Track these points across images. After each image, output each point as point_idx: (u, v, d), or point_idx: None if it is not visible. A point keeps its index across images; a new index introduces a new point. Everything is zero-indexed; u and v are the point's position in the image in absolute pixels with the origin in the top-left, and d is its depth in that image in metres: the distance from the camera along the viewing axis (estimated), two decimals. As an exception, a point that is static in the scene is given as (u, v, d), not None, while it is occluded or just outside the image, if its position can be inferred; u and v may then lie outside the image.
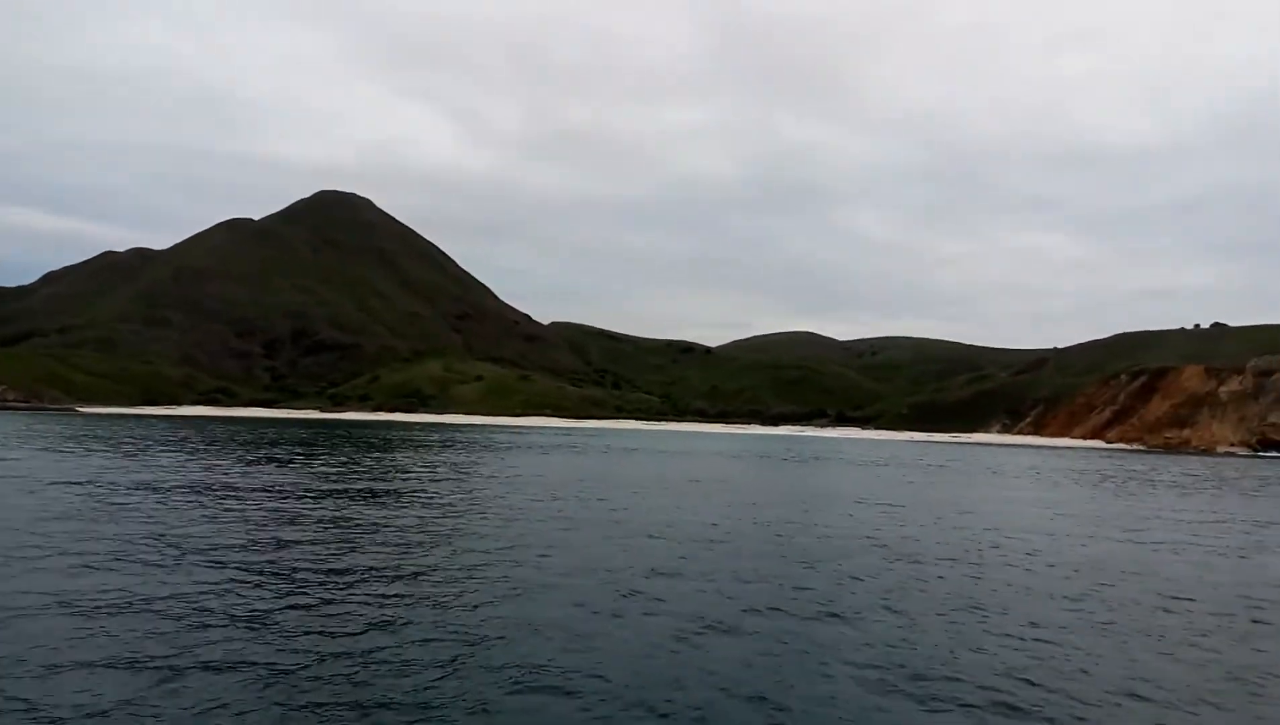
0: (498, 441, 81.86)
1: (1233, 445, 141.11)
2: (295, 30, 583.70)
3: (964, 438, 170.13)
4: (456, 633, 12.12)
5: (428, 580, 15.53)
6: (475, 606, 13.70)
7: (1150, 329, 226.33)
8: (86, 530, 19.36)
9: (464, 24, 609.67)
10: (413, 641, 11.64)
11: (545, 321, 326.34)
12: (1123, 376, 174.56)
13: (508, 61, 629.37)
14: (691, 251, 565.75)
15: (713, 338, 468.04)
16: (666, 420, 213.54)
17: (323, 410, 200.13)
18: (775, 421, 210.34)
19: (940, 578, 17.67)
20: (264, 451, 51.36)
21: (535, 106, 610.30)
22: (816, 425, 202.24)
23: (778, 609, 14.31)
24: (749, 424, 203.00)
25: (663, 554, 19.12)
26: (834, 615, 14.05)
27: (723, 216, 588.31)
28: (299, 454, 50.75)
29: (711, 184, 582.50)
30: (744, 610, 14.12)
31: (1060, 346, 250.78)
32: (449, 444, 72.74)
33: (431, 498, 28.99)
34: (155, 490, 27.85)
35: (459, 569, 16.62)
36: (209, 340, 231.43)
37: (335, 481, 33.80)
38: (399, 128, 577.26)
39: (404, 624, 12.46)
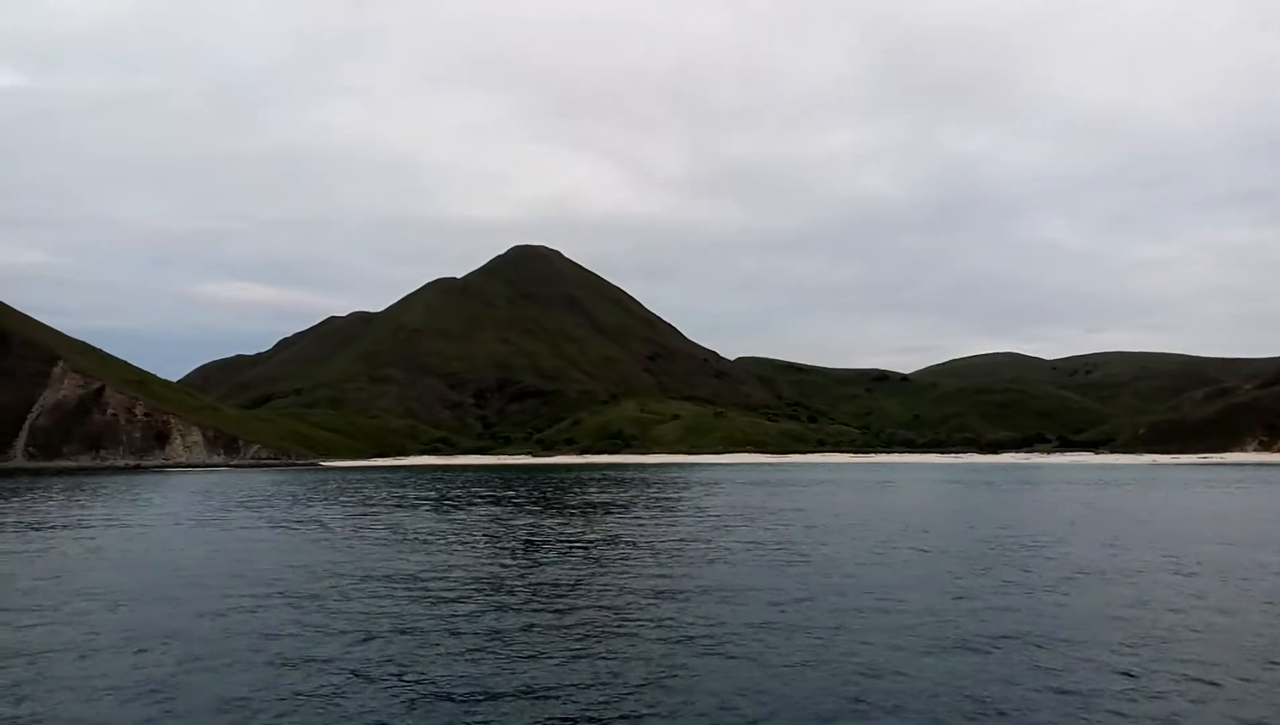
0: (749, 479, 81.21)
1: None
2: (476, 98, 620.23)
3: (1215, 458, 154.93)
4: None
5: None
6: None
7: None
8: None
9: (625, 74, 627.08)
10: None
11: (731, 357, 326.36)
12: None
13: (670, 104, 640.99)
14: (870, 276, 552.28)
15: (904, 364, 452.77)
16: (873, 452, 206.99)
17: (534, 455, 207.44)
18: (993, 449, 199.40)
19: None
20: (601, 497, 53.03)
21: (699, 145, 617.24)
22: (1040, 451, 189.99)
23: None
24: (964, 453, 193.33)
25: None
26: None
27: (895, 237, 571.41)
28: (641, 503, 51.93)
29: (880, 205, 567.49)
30: None
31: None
32: (717, 483, 72.73)
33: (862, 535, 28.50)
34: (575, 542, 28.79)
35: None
36: (426, 393, 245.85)
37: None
38: (575, 180, 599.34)
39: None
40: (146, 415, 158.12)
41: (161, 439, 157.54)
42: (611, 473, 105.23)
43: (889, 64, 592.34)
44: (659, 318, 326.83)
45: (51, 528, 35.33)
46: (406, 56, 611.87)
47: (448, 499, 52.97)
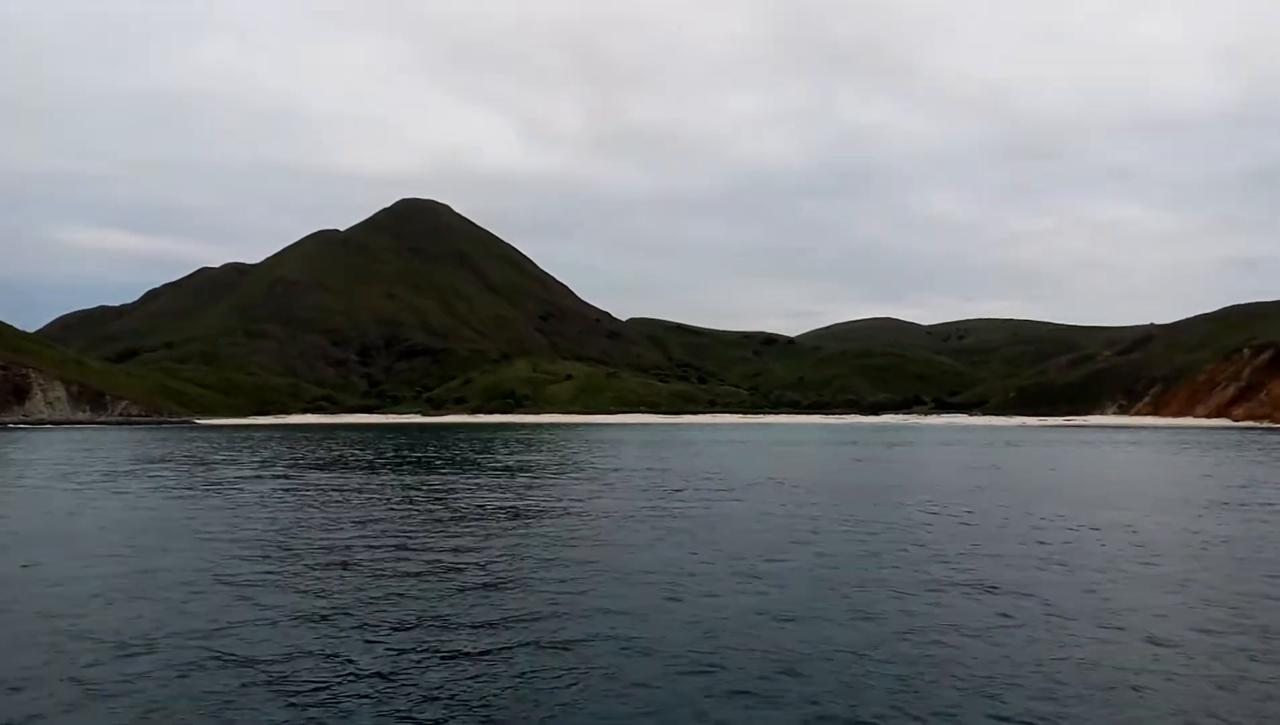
0: (648, 439, 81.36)
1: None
2: (363, 42, 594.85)
3: (1079, 420, 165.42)
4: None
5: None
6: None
7: (1261, 300, 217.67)
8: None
9: (523, 27, 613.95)
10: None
11: (623, 318, 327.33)
12: (1245, 351, 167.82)
13: (568, 61, 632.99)
14: (761, 241, 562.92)
15: (790, 327, 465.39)
16: (761, 413, 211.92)
17: (424, 414, 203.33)
18: (874, 410, 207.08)
19: None
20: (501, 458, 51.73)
21: (598, 104, 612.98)
22: (918, 412, 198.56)
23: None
24: (848, 414, 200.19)
25: None
26: None
27: (791, 204, 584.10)
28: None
29: (778, 172, 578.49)
30: None
31: (1160, 322, 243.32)
32: (619, 443, 72.47)
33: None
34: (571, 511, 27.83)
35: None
36: (307, 350, 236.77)
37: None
38: (467, 133, 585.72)
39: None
40: (3, 368, 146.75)
41: (20, 394, 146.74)
42: (509, 433, 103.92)
43: (789, 33, 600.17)
44: (552, 277, 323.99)
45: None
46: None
47: (349, 460, 50.98)
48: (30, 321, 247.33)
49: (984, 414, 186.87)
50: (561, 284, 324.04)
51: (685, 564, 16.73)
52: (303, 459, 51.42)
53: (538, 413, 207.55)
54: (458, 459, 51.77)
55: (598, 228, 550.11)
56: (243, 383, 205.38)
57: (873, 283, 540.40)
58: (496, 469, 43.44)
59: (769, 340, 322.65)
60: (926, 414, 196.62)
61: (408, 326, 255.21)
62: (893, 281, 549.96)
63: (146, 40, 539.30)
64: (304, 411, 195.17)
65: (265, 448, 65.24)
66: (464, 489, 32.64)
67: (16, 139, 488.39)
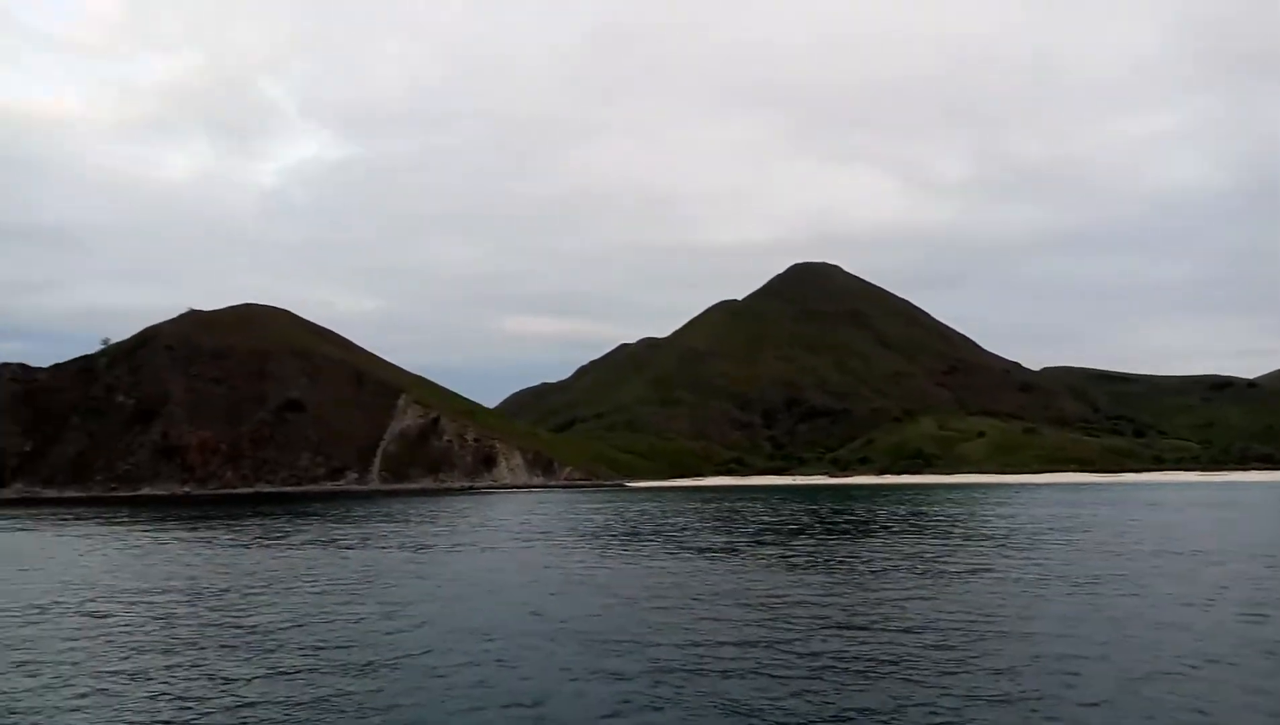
0: (1143, 500, 72.25)
1: None
2: (734, 120, 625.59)
3: None
4: None
5: None
6: None
7: None
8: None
9: (889, 84, 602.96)
10: None
11: (1034, 368, 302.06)
12: None
13: (943, 109, 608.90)
14: (1187, 273, 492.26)
15: (1244, 368, 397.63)
16: (1223, 469, 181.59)
17: (830, 475, 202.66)
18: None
19: None
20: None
21: (981, 146, 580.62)
22: None
23: None
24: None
25: None
26: None
27: (1217, 228, 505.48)
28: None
29: (1197, 195, 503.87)
30: None
31: None
32: (1119, 503, 65.44)
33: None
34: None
35: None
36: (716, 414, 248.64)
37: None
38: (848, 193, 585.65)
39: None
40: (476, 441, 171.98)
41: (489, 462, 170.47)
42: (934, 495, 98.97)
43: (1198, 40, 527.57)
44: (952, 329, 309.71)
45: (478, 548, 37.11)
46: (669, 91, 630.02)
47: (802, 524, 50.97)
48: (489, 400, 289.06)
49: None
50: (963, 336, 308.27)
51: None
52: (776, 524, 52.52)
53: (950, 473, 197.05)
54: (920, 523, 49.60)
55: (993, 274, 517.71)
56: (662, 448, 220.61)
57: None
58: (979, 536, 40.68)
59: (1221, 384, 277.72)
60: None
61: (806, 388, 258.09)
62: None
63: (557, 147, 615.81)
64: (715, 473, 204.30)
65: (723, 512, 68.10)
66: (969, 564, 30.59)
67: (464, 247, 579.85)
